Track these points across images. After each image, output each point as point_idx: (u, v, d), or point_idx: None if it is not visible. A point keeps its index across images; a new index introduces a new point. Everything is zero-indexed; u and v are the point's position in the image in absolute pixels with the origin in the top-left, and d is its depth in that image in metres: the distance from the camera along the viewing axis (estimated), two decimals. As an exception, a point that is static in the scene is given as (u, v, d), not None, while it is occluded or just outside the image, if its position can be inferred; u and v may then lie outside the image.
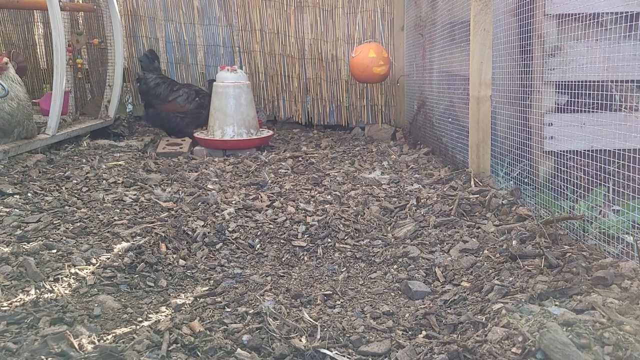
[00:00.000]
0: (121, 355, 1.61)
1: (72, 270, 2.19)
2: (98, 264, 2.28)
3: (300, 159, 4.44)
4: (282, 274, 2.42)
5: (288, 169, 4.08)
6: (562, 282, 1.86)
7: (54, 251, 2.35)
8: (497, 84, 3.28)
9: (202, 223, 2.84)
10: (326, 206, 3.11)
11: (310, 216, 2.97)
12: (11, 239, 2.47)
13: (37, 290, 2.01)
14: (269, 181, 3.67)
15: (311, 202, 3.22)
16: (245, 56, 5.97)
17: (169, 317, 1.92)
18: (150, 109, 5.18)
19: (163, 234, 2.61)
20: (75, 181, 3.45)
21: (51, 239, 2.48)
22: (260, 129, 5.00)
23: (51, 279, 2.11)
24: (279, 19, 5.84)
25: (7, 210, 2.82)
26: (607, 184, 2.54)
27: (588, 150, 2.57)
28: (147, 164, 4.05)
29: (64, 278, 2.13)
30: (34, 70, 6.10)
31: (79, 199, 3.10)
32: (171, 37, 5.95)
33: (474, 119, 3.25)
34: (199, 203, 3.14)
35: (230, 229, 2.81)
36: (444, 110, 4.16)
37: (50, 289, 2.04)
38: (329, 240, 2.74)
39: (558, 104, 2.88)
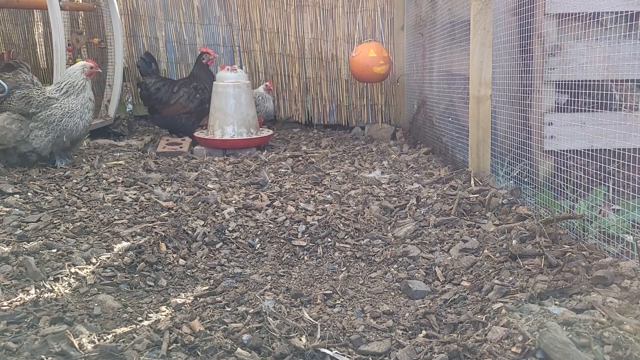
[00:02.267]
0: (121, 354, 1.61)
1: (72, 270, 2.19)
2: (98, 263, 2.28)
3: (300, 158, 4.44)
4: (282, 274, 2.42)
5: (288, 169, 4.08)
6: (562, 282, 1.86)
7: (54, 251, 2.35)
8: (497, 84, 3.28)
9: (202, 222, 2.84)
10: (326, 205, 3.11)
11: (310, 215, 2.97)
12: (11, 238, 2.47)
13: (37, 290, 2.01)
14: (269, 181, 3.67)
15: (311, 201, 3.22)
16: (245, 56, 5.97)
17: (169, 316, 1.92)
18: (156, 114, 5.18)
19: (163, 234, 2.61)
20: (75, 181, 3.45)
21: (51, 239, 2.49)
22: (260, 129, 5.00)
23: (51, 278, 2.11)
24: (279, 18, 5.84)
25: (7, 209, 2.83)
26: (607, 184, 2.54)
27: (588, 150, 2.57)
28: (147, 164, 4.05)
29: (64, 277, 2.13)
30: (34, 70, 6.09)
31: (79, 199, 3.10)
32: (171, 36, 5.95)
33: (474, 119, 3.25)
34: (199, 202, 3.14)
35: (230, 229, 2.81)
36: (444, 109, 4.16)
37: (50, 288, 2.04)
38: (329, 239, 2.74)
39: (558, 104, 2.88)
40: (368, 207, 3.05)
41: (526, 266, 2.09)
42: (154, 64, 5.31)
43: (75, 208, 2.93)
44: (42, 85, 3.88)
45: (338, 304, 2.12)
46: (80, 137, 3.83)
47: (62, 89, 3.74)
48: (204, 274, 2.39)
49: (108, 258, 2.33)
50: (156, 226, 2.70)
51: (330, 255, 2.62)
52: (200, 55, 5.20)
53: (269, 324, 1.83)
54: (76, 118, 3.72)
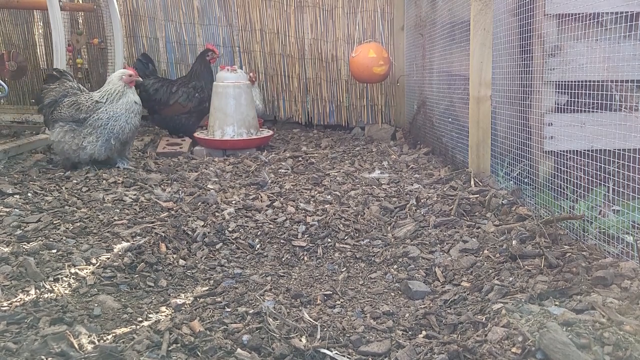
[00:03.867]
0: (121, 355, 1.61)
1: (72, 270, 2.19)
2: (98, 264, 2.28)
3: (300, 158, 4.44)
4: (282, 274, 2.42)
5: (288, 169, 4.08)
6: (562, 282, 1.86)
7: (54, 251, 2.35)
8: (497, 84, 3.28)
9: (202, 223, 2.84)
10: (326, 206, 3.11)
11: (310, 216, 2.97)
12: (11, 238, 2.47)
13: (37, 290, 2.01)
14: (269, 181, 3.67)
15: (311, 202, 3.22)
16: (245, 56, 5.96)
17: (169, 317, 1.92)
18: (155, 115, 5.18)
19: (163, 234, 2.61)
20: (75, 181, 3.46)
21: (51, 239, 2.49)
22: (260, 129, 5.00)
23: (51, 279, 2.11)
24: (279, 19, 5.84)
25: (7, 210, 2.83)
26: (607, 184, 2.54)
27: (588, 150, 2.57)
28: (147, 164, 4.05)
29: (64, 278, 2.13)
30: (34, 70, 6.10)
31: (79, 199, 3.10)
32: (171, 37, 5.95)
33: (474, 119, 3.25)
34: (199, 203, 3.14)
35: (230, 229, 2.81)
36: (444, 110, 4.16)
37: (50, 288, 2.04)
38: (329, 240, 2.74)
39: (558, 104, 2.88)
40: (368, 208, 3.05)
41: (526, 267, 2.09)
42: (151, 64, 5.29)
43: (75, 208, 2.93)
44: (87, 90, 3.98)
45: (338, 304, 2.12)
46: (128, 140, 3.94)
47: (103, 96, 3.84)
48: (203, 275, 2.39)
49: (108, 258, 2.33)
50: (156, 227, 2.70)
51: (330, 255, 2.62)
52: (204, 51, 5.19)
53: (269, 324, 1.83)
54: (122, 122, 3.80)
